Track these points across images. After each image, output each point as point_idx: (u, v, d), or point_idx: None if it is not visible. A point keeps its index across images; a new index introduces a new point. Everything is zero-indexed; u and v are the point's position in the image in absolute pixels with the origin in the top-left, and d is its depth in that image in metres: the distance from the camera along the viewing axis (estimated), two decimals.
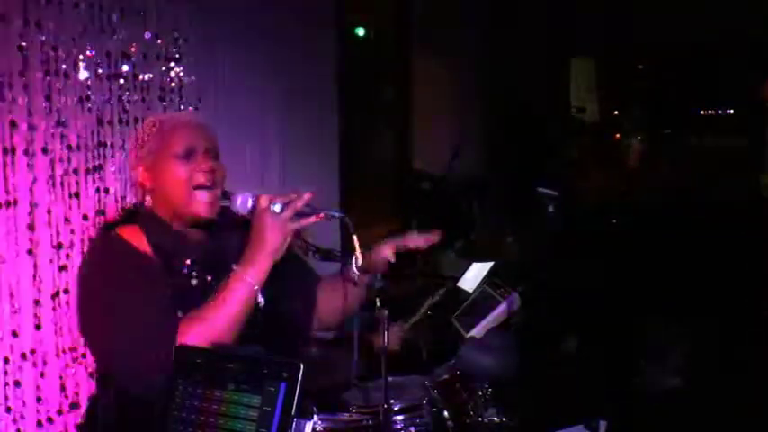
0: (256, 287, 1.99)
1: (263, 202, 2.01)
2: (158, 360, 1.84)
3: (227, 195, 2.11)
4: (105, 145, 3.40)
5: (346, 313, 2.39)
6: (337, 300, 2.35)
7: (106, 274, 2.02)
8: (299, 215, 2.00)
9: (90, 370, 3.24)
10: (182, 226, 2.13)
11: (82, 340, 2.15)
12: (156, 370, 1.84)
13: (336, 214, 2.02)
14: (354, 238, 2.01)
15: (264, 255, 1.99)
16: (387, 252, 2.29)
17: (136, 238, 2.06)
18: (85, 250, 2.16)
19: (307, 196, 2.01)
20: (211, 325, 1.94)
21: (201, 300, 2.00)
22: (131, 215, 2.14)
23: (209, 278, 2.10)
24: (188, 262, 2.10)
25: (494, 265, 4.05)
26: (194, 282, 2.09)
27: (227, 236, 2.18)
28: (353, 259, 2.11)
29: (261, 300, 2.03)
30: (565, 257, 5.62)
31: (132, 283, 1.99)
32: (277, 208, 1.99)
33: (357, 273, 2.15)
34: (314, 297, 2.42)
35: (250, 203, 2.04)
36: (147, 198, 2.14)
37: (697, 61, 9.32)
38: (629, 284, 5.67)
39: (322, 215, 2.00)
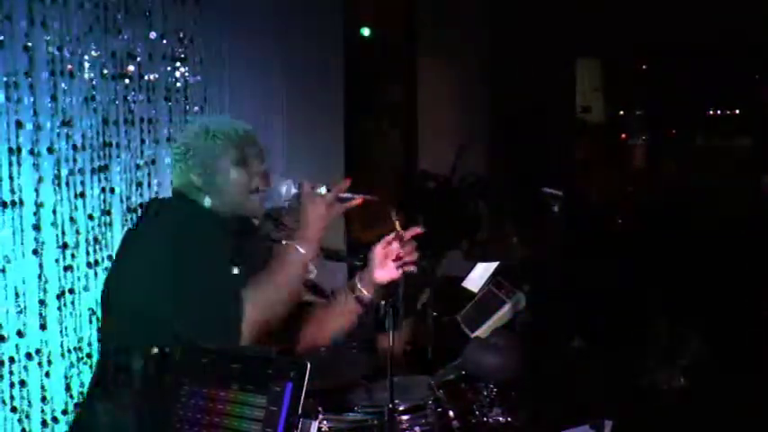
0: (309, 259, 2.15)
1: (307, 186, 2.19)
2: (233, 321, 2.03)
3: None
4: (111, 145, 3.40)
5: (335, 336, 2.48)
6: (328, 326, 2.43)
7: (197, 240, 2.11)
8: (341, 200, 2.18)
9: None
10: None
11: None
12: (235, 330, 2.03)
13: (374, 198, 2.20)
14: (393, 214, 2.22)
15: (315, 231, 2.16)
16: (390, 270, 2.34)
17: None
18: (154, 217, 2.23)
19: (345, 183, 2.19)
20: (264, 290, 2.07)
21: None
22: (179, 199, 2.22)
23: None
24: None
25: (498, 265, 4.05)
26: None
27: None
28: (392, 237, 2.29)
29: (314, 271, 2.24)
30: (569, 257, 5.61)
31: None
32: (323, 190, 2.17)
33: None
34: None
35: (293, 190, 2.21)
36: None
37: (701, 62, 9.31)
38: (634, 284, 5.66)
39: (361, 199, 2.18)
